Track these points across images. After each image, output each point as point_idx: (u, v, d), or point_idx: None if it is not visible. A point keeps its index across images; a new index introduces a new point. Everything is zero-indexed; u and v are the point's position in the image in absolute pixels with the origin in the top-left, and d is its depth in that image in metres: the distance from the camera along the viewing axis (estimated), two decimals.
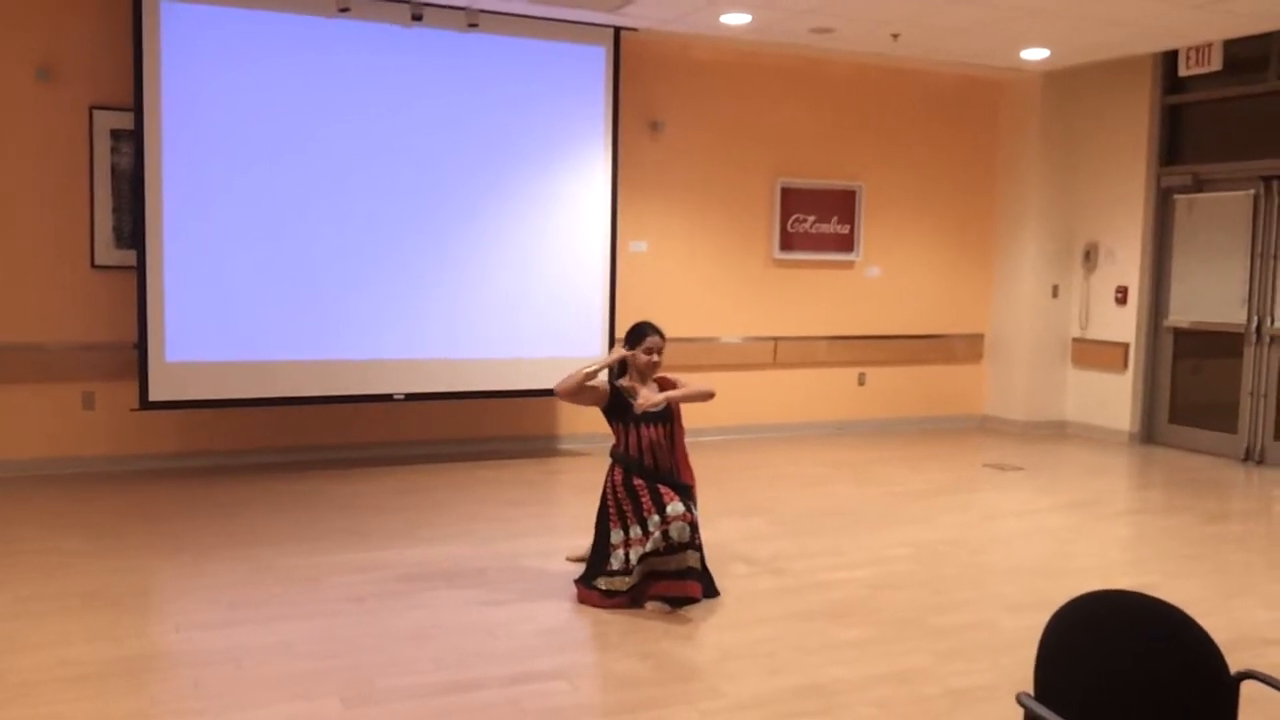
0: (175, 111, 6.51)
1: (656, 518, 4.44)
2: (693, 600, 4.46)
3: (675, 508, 4.44)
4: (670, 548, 4.40)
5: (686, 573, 4.43)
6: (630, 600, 4.45)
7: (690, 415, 5.02)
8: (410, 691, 3.59)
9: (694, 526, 4.46)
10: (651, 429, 4.67)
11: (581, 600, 4.52)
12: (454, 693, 3.60)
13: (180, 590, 4.69)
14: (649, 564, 4.42)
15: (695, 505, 4.68)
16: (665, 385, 4.79)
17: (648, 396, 4.63)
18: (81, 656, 3.82)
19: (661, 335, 4.78)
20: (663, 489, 4.53)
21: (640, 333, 4.77)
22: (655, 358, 4.75)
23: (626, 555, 4.50)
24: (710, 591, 4.59)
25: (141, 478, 6.74)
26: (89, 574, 4.77)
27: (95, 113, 6.71)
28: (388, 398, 7.15)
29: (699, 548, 4.49)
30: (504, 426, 7.95)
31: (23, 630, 4.07)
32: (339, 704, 3.48)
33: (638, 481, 4.58)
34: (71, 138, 6.71)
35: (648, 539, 4.43)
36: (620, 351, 4.76)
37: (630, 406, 4.66)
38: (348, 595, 4.56)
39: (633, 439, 4.65)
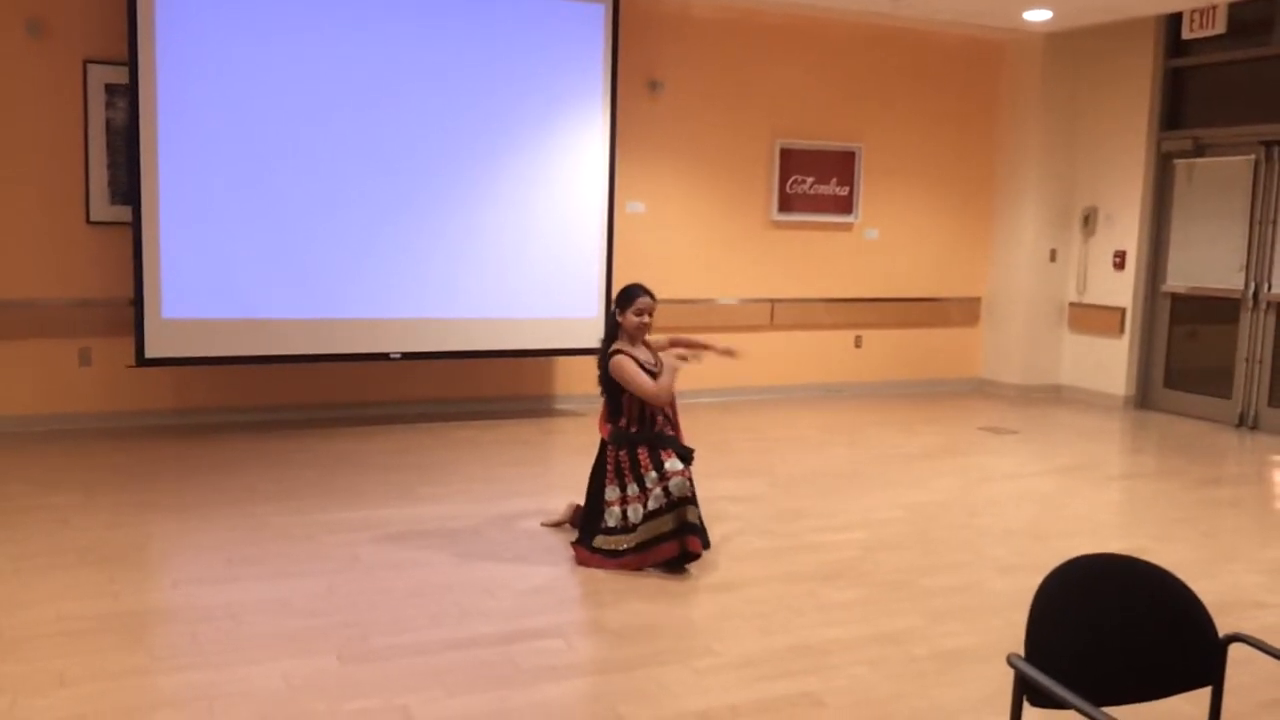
0: (170, 66, 6.44)
1: (654, 474, 4.46)
2: (696, 555, 4.48)
3: (674, 464, 4.46)
4: (671, 503, 4.41)
5: (686, 528, 4.44)
6: (633, 561, 4.46)
7: (686, 374, 5.01)
8: (407, 649, 3.62)
9: (691, 482, 4.49)
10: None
11: (581, 562, 4.53)
12: (450, 650, 3.63)
13: (177, 547, 4.71)
14: (650, 526, 4.44)
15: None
16: (652, 349, 4.80)
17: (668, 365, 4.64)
18: (78, 612, 3.84)
19: (651, 296, 4.76)
20: (661, 450, 4.54)
21: (630, 295, 4.74)
22: (645, 319, 4.71)
23: (624, 512, 4.52)
24: (704, 543, 4.63)
25: (138, 434, 6.75)
26: (85, 530, 4.79)
27: (89, 67, 6.65)
28: (384, 357, 7.14)
29: (696, 503, 4.51)
30: (501, 386, 7.95)
31: (19, 586, 4.09)
32: (335, 660, 3.51)
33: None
34: (65, 93, 6.65)
35: (646, 495, 4.45)
36: (680, 358, 4.63)
37: (645, 371, 4.63)
38: (345, 553, 4.59)
39: (641, 408, 4.64)
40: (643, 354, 4.72)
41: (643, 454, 4.54)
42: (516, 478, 6.05)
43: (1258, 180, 8.10)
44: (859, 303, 9.13)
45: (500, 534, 4.92)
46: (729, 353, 5.00)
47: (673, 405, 4.78)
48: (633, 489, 4.53)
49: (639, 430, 4.63)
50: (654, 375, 4.65)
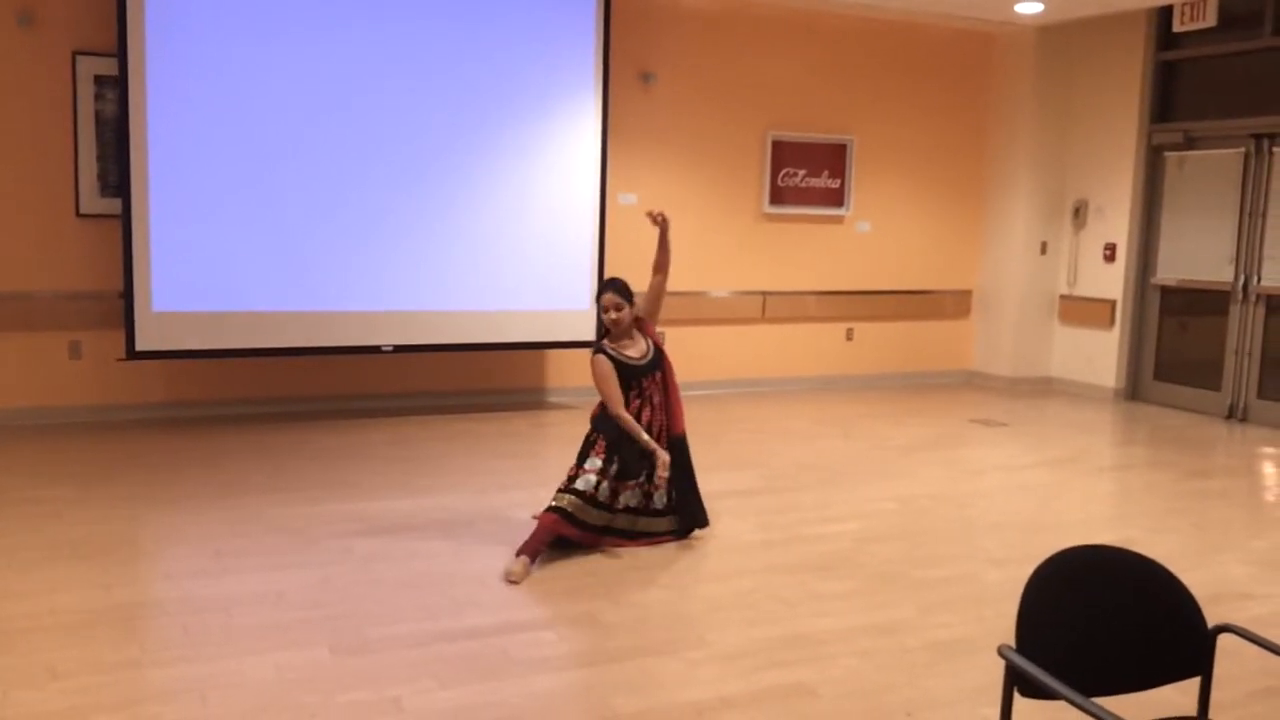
0: (160, 57, 6.41)
1: (599, 461, 4.54)
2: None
3: (593, 462, 4.56)
4: (591, 500, 4.52)
5: (600, 529, 4.57)
6: (577, 533, 4.52)
7: (679, 369, 5.02)
8: (399, 640, 3.62)
9: (647, 495, 4.64)
10: (650, 380, 4.69)
11: (536, 518, 4.60)
12: (443, 641, 3.63)
13: (169, 539, 4.71)
14: (578, 506, 4.50)
15: (688, 452, 4.80)
16: (649, 333, 4.81)
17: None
18: (70, 605, 3.84)
19: (617, 289, 4.67)
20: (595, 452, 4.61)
21: (598, 291, 4.79)
22: (611, 314, 4.65)
23: (598, 484, 4.58)
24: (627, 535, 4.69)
25: (128, 428, 6.73)
26: (76, 523, 4.78)
27: (78, 58, 6.62)
28: (376, 349, 7.13)
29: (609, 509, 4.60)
30: (493, 379, 7.95)
31: (11, 579, 4.08)
32: (328, 653, 3.51)
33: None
34: (54, 84, 6.61)
35: (581, 472, 4.56)
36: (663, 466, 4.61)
37: (628, 368, 4.63)
38: (337, 545, 4.59)
39: (635, 400, 4.64)
40: (636, 347, 4.72)
41: (600, 443, 4.60)
42: (509, 470, 6.06)
43: (1248, 173, 8.12)
44: (850, 295, 9.14)
45: (493, 526, 4.93)
46: (660, 224, 4.74)
47: (674, 393, 4.81)
48: (592, 462, 4.58)
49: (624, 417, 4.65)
50: (640, 369, 4.66)
